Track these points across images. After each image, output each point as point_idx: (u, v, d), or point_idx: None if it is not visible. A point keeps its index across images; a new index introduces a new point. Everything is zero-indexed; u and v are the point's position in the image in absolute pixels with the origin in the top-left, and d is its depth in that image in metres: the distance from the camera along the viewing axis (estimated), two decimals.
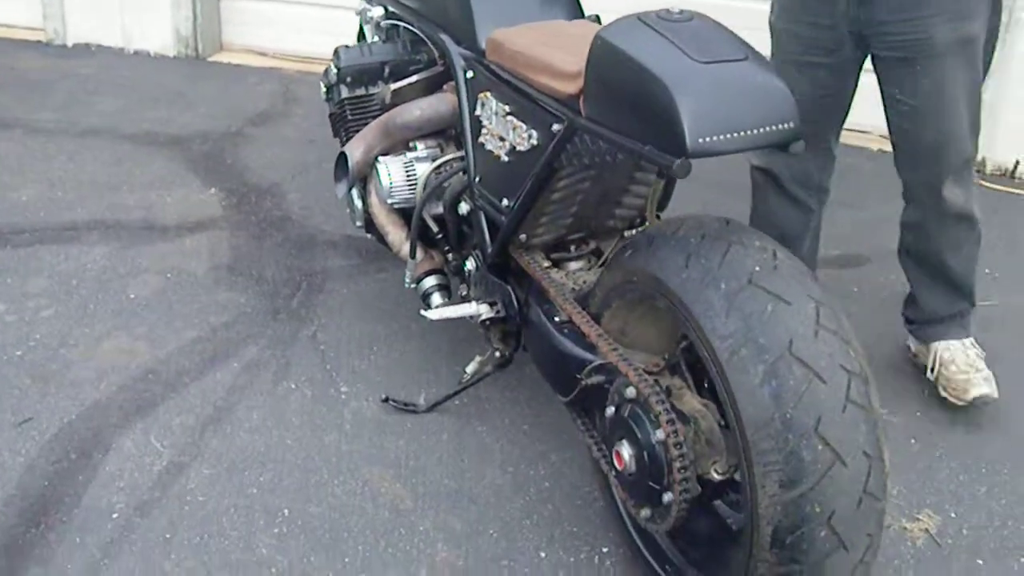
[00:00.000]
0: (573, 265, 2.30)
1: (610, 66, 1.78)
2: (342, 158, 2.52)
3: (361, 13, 2.84)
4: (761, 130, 1.67)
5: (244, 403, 2.57)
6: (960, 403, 2.62)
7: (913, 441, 2.57)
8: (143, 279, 3.08)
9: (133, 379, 2.63)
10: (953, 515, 2.34)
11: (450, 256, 2.52)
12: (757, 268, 1.68)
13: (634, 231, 2.30)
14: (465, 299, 2.42)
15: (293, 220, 3.48)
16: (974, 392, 2.60)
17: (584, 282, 2.21)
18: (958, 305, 2.70)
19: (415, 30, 2.57)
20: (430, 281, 2.54)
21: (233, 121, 4.28)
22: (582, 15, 2.41)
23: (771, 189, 2.73)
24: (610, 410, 1.92)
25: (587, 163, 1.96)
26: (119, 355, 2.73)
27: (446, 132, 2.51)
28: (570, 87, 1.91)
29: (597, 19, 2.39)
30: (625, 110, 1.76)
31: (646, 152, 1.70)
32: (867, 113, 4.15)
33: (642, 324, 2.02)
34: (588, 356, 2.02)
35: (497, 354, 2.39)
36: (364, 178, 2.59)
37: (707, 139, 1.63)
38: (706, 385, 1.88)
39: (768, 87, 1.70)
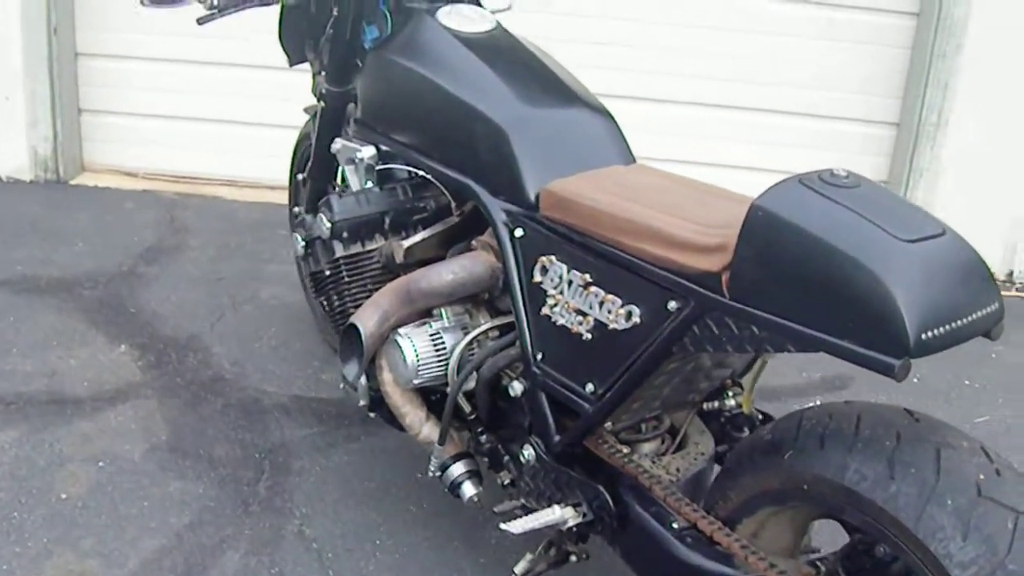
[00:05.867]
0: (646, 447, 2.00)
1: (780, 243, 1.50)
2: (353, 331, 2.13)
3: (339, 152, 2.46)
4: (975, 316, 1.44)
5: None
6: None
7: None
8: (70, 471, 2.56)
9: None
10: None
11: (483, 438, 2.17)
12: (981, 476, 1.43)
13: (714, 404, 2.04)
14: (526, 494, 2.05)
15: (227, 380, 3.02)
16: None
17: (677, 469, 1.92)
18: None
19: (424, 174, 2.24)
20: (459, 468, 2.18)
21: (121, 258, 3.77)
22: (633, 159, 2.14)
23: None
24: None
25: (716, 347, 1.67)
26: None
27: (477, 296, 2.17)
28: (705, 263, 1.62)
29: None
30: (802, 296, 1.48)
31: (844, 349, 1.43)
32: None
33: (775, 524, 1.74)
34: (727, 571, 1.71)
35: (574, 559, 2.05)
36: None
37: (930, 334, 1.38)
38: None
39: (972, 265, 1.47)
